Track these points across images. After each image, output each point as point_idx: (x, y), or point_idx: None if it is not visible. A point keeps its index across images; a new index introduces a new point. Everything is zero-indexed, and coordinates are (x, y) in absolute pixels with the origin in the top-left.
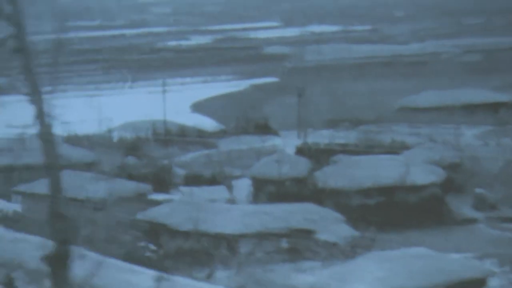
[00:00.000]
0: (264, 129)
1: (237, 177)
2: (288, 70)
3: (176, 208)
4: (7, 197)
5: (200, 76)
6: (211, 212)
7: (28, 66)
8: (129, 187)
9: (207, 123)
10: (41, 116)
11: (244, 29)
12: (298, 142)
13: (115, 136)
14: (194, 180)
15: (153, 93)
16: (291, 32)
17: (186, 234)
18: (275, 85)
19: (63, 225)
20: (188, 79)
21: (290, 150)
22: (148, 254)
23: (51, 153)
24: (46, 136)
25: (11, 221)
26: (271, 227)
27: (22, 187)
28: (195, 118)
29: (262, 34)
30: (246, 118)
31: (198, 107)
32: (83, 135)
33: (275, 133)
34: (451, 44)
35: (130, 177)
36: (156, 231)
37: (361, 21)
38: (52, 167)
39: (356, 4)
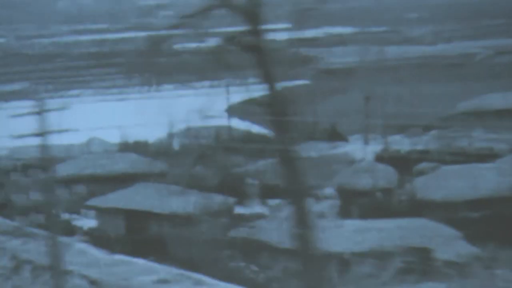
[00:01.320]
0: (333, 135)
1: (317, 188)
2: (317, 73)
3: (273, 224)
4: (75, 211)
5: (226, 79)
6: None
7: (264, 64)
8: (214, 200)
9: (253, 129)
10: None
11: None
12: (370, 148)
13: (176, 143)
14: (271, 191)
15: (182, 96)
16: (307, 34)
17: (291, 253)
18: (307, 88)
19: None
20: (216, 82)
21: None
22: (250, 275)
23: (295, 176)
24: (288, 155)
25: (92, 239)
26: (385, 245)
27: (95, 202)
28: (235, 123)
29: (277, 36)
30: (313, 123)
31: (235, 111)
32: (140, 142)
33: (344, 139)
34: (479, 45)
35: (201, 188)
36: (254, 250)
37: (375, 23)
38: (296, 193)
39: (360, 6)
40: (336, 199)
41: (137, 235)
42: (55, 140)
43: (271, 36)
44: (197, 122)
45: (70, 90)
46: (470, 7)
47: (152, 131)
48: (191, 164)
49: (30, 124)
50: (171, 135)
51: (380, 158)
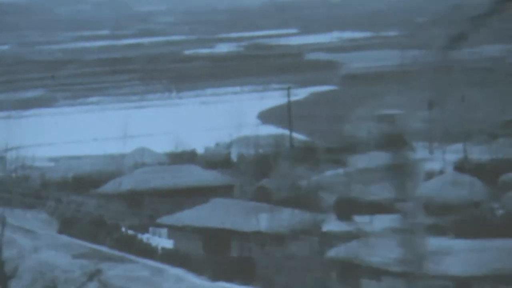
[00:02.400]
0: (398, 143)
1: (395, 202)
2: (342, 78)
3: (375, 243)
4: (143, 229)
5: (249, 85)
6: (427, 248)
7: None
8: (301, 217)
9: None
10: None
11: (265, 36)
12: (441, 157)
13: (233, 153)
14: (348, 205)
15: (206, 103)
16: (318, 38)
17: (400, 276)
18: (335, 93)
19: None
20: (237, 89)
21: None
22: None
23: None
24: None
25: (172, 261)
26: (508, 267)
27: (167, 219)
28: (271, 130)
29: (288, 41)
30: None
31: (267, 118)
32: (188, 152)
33: (410, 147)
34: (503, 48)
35: (271, 202)
36: (356, 272)
37: (387, 27)
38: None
39: (368, 11)
40: (419, 214)
41: (220, 256)
42: (97, 149)
43: (283, 41)
44: (244, 130)
45: (88, 97)
46: (476, 10)
47: (193, 140)
48: (257, 176)
49: (68, 132)
50: (227, 144)
51: (460, 168)
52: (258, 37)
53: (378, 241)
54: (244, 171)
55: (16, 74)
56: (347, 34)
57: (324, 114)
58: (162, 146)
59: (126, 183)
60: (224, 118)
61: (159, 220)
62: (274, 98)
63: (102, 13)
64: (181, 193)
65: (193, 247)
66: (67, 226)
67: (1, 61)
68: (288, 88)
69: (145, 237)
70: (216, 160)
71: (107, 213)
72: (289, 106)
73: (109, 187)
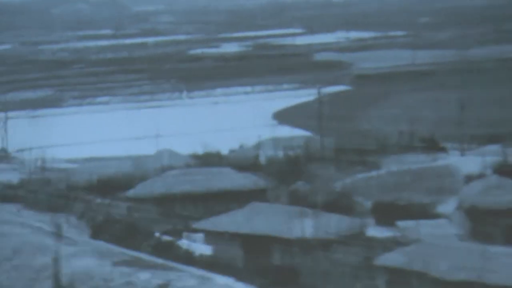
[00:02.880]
0: (431, 145)
1: (433, 206)
2: (354, 78)
3: (423, 251)
4: (177, 234)
5: (260, 85)
6: (484, 256)
7: None
8: (343, 222)
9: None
10: None
11: (269, 36)
12: (476, 160)
13: (262, 155)
14: (387, 209)
15: (219, 103)
16: (324, 38)
17: (459, 286)
18: (350, 93)
19: None
20: (248, 88)
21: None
22: None
23: None
24: None
25: (214, 268)
26: None
27: (204, 224)
28: (291, 132)
29: (294, 41)
30: (410, 132)
31: (283, 119)
32: (213, 153)
33: (443, 149)
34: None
35: (306, 206)
36: (407, 281)
37: (391, 27)
38: None
39: (363, 12)
40: (459, 219)
41: (263, 264)
42: (117, 150)
43: (289, 41)
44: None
45: (97, 97)
46: (474, 11)
47: (215, 141)
48: (289, 179)
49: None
50: (253, 146)
51: (499, 171)
52: (262, 37)
53: (432, 248)
54: (274, 174)
55: (21, 74)
56: (353, 34)
57: (343, 114)
58: (183, 147)
59: (156, 187)
60: (240, 119)
61: (195, 225)
62: (288, 98)
63: (100, 13)
64: (214, 196)
65: (232, 254)
66: (100, 231)
67: (5, 61)
68: (319, 88)
69: (183, 243)
70: (244, 163)
71: (139, 217)
72: (320, 107)
73: (139, 191)
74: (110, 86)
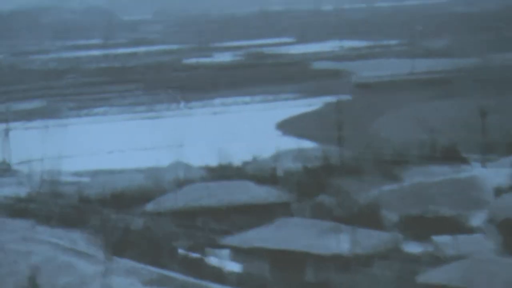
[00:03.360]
0: (454, 156)
1: (462, 220)
2: (354, 87)
3: (466, 267)
4: (197, 250)
5: (258, 95)
6: None
7: None
8: (377, 237)
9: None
10: None
11: (262, 45)
12: (499, 172)
13: (278, 166)
14: (417, 223)
15: (218, 114)
16: (317, 47)
17: None
18: (351, 103)
19: None
20: (247, 98)
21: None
22: None
23: None
24: None
25: (245, 286)
26: None
27: (231, 240)
28: (296, 143)
29: (289, 50)
30: (430, 141)
31: (288, 129)
32: (226, 165)
33: (465, 161)
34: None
35: (331, 220)
36: None
37: (383, 36)
38: None
39: (354, 20)
40: (493, 233)
41: (295, 281)
42: (124, 162)
43: (283, 49)
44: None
45: (94, 108)
46: (467, 18)
47: (221, 151)
48: (311, 192)
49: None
50: (269, 158)
51: None
52: (254, 46)
53: (475, 264)
54: (293, 186)
55: (13, 85)
56: (346, 43)
57: (354, 124)
58: (191, 158)
59: (175, 201)
60: (243, 129)
61: (222, 241)
62: (288, 108)
63: (88, 22)
64: (236, 210)
65: (262, 271)
66: (120, 247)
67: None
68: (338, 101)
69: (211, 259)
70: (261, 175)
71: (159, 232)
72: (338, 117)
73: (157, 205)
74: (106, 97)
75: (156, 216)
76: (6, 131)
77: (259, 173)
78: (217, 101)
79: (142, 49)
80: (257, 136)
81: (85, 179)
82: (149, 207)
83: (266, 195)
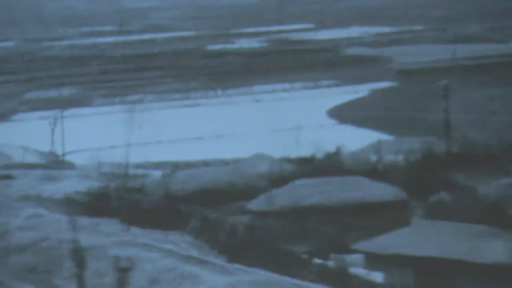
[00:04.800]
0: None
1: None
2: (396, 73)
3: None
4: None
5: (297, 82)
6: None
7: None
8: None
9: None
10: None
11: (282, 31)
12: None
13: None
14: None
15: (261, 101)
16: (341, 33)
17: None
18: (398, 89)
19: None
20: (287, 85)
21: None
22: None
23: None
24: None
25: None
26: None
27: (365, 245)
28: (355, 131)
29: (311, 36)
30: None
31: (341, 117)
32: (305, 158)
33: None
34: None
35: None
36: None
37: (406, 21)
38: None
39: (373, 5)
40: None
41: None
42: (186, 153)
43: (306, 35)
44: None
45: (127, 95)
46: (485, 4)
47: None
48: (431, 189)
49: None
50: (363, 149)
51: None
52: (275, 32)
53: None
54: (400, 182)
55: (38, 72)
56: (368, 29)
57: (400, 113)
58: (252, 149)
59: (282, 200)
60: (294, 118)
61: (354, 246)
62: (332, 96)
63: (96, 9)
64: (351, 210)
65: (405, 280)
66: (238, 253)
67: (12, 59)
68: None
69: (352, 269)
70: (357, 169)
71: (271, 235)
72: (446, 104)
73: (262, 204)
74: (137, 84)
75: (262, 216)
76: (61, 118)
77: (354, 166)
78: (256, 88)
79: (158, 35)
80: (311, 125)
81: (153, 172)
82: (253, 205)
83: (382, 193)
